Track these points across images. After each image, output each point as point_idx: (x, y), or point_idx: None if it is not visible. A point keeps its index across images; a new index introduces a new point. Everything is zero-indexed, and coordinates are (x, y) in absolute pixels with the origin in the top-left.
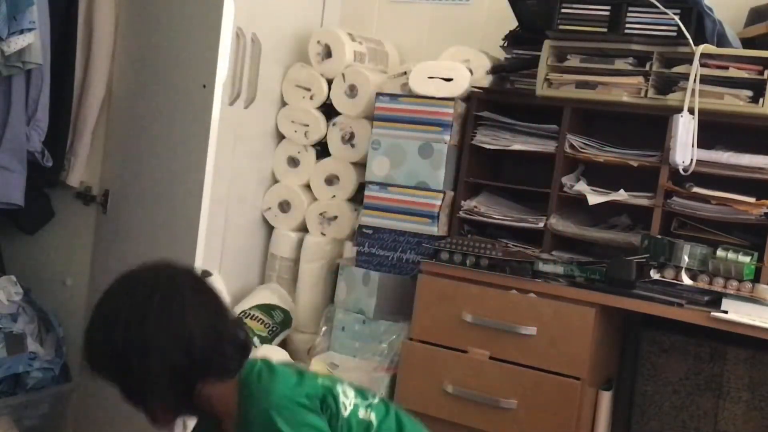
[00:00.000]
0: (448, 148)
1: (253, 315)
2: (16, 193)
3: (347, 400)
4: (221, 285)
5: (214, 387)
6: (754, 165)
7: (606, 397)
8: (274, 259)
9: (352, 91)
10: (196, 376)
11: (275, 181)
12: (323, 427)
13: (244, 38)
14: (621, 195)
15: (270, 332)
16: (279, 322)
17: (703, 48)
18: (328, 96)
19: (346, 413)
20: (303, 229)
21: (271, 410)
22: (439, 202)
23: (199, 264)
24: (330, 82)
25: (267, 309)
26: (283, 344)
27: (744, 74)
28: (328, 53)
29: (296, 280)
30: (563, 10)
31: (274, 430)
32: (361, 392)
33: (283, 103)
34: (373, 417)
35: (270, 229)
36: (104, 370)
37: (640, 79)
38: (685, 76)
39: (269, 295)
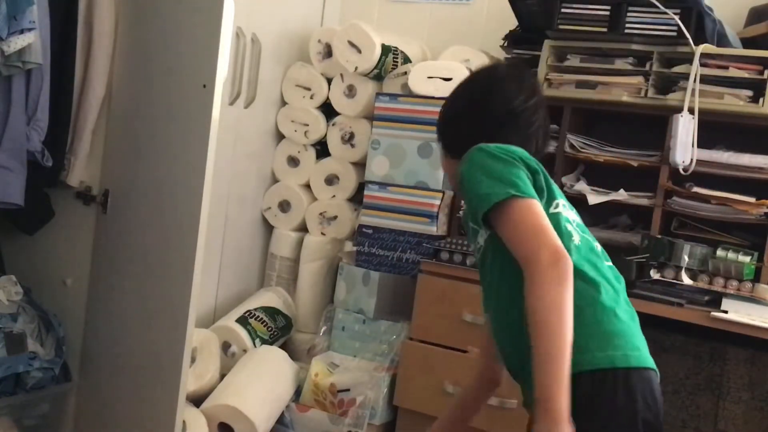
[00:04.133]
0: None
1: (258, 316)
2: (16, 193)
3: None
4: None
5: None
6: (754, 165)
7: None
8: (274, 258)
9: (351, 90)
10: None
11: (275, 180)
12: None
13: (244, 38)
14: (621, 195)
15: (271, 336)
16: (280, 327)
17: (703, 48)
18: (328, 95)
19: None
20: (303, 228)
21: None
22: (438, 202)
23: (199, 263)
24: (329, 81)
25: (272, 313)
26: (284, 344)
27: (744, 74)
28: (328, 52)
29: (296, 280)
30: (563, 10)
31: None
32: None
33: (283, 103)
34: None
35: (270, 228)
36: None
37: (640, 78)
38: (685, 76)
39: (275, 299)
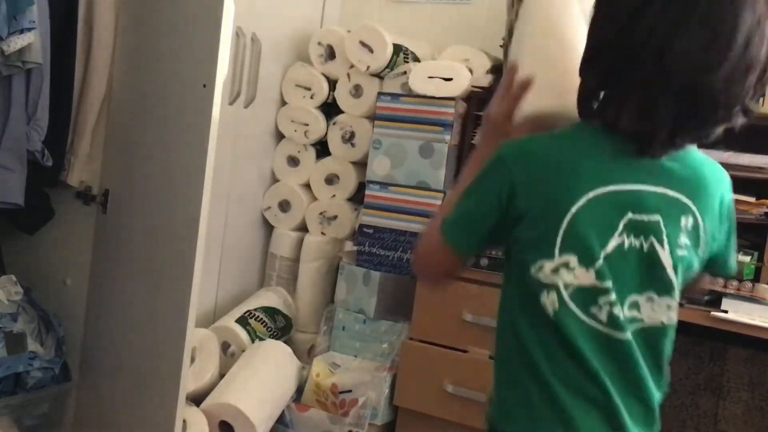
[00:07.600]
0: (448, 147)
1: (258, 316)
2: (16, 192)
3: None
4: None
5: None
6: (754, 165)
7: None
8: (274, 258)
9: (357, 90)
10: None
11: (275, 180)
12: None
13: (244, 38)
14: None
15: (271, 336)
16: (280, 327)
17: None
18: (329, 95)
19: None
20: (303, 228)
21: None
22: (439, 202)
23: (199, 263)
24: (330, 81)
25: (271, 312)
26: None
27: None
28: (330, 54)
29: (296, 279)
30: None
31: None
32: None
33: (283, 103)
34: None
35: (270, 228)
36: None
37: None
38: None
39: (275, 299)
